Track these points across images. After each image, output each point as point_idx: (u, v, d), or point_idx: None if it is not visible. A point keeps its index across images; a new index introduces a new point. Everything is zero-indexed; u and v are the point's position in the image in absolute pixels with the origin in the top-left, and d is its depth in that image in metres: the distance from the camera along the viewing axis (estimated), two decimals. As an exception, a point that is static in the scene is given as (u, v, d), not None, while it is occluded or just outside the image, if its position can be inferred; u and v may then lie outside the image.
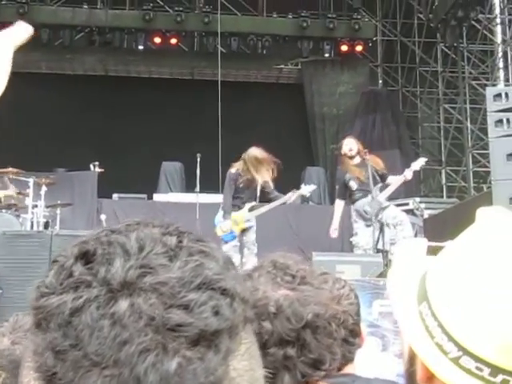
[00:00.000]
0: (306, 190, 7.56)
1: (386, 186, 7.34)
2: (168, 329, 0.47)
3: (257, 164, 7.25)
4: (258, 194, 7.35)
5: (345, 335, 1.38)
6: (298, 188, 7.45)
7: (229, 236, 6.94)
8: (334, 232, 7.40)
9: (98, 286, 0.48)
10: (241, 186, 7.25)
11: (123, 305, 0.47)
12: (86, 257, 0.51)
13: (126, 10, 13.66)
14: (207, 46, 13.58)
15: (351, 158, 7.40)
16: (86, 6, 13.39)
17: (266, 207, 7.37)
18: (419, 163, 7.52)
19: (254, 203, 7.34)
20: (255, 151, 7.32)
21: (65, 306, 0.48)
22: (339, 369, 1.39)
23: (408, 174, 7.31)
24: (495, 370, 0.77)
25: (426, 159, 8.08)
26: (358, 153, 7.42)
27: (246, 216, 7.21)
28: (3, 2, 12.74)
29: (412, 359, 0.89)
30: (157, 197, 11.13)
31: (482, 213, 0.86)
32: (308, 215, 10.86)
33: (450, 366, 0.80)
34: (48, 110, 12.64)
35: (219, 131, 7.99)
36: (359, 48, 13.93)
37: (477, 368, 0.78)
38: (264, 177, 7.28)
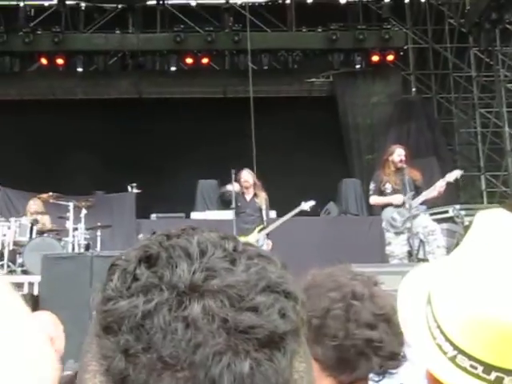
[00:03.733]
0: (307, 205, 7.94)
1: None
2: (240, 331, 0.48)
3: (252, 186, 7.85)
4: (264, 215, 7.86)
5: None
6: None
7: None
8: (400, 199, 7.20)
9: (167, 290, 0.49)
10: (239, 204, 7.82)
11: (196, 307, 0.48)
12: (149, 260, 0.51)
13: (157, 32, 13.88)
14: (238, 63, 13.68)
15: (397, 168, 7.34)
16: (118, 31, 13.69)
17: (273, 225, 7.75)
18: (454, 175, 7.32)
19: (261, 226, 7.73)
20: (247, 175, 7.90)
21: (136, 309, 0.48)
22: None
23: (441, 185, 7.17)
24: (488, 368, 0.79)
25: (462, 172, 7.83)
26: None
27: (255, 237, 7.53)
28: (38, 32, 13.06)
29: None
30: (194, 215, 11.19)
31: (479, 217, 0.87)
32: (346, 227, 10.78)
33: (448, 365, 0.82)
34: (85, 135, 12.87)
35: (253, 148, 8.00)
36: (390, 57, 13.83)
37: (471, 366, 0.80)
38: (263, 199, 7.86)
